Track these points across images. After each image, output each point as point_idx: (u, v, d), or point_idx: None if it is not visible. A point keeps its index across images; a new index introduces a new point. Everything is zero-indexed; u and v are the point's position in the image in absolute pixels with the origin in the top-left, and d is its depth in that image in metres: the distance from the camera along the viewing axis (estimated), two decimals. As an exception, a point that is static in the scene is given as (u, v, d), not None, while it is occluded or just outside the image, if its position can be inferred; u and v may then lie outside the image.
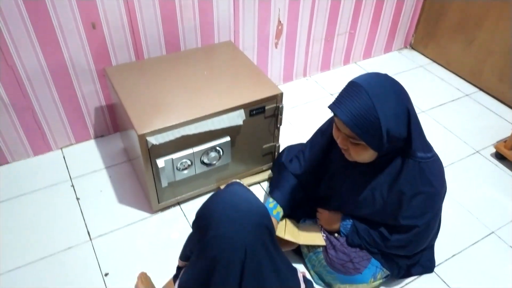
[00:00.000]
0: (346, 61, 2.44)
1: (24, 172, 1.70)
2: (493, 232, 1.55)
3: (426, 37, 2.53)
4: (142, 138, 1.30)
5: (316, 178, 1.37)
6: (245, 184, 1.44)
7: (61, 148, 1.82)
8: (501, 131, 2.00)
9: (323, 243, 1.32)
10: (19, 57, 1.50)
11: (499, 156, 1.84)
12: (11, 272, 1.35)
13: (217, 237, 0.87)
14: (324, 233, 1.34)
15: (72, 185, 1.66)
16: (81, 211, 1.56)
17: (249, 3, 1.84)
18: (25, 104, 1.61)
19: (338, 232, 1.31)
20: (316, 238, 1.34)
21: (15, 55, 1.48)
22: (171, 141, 1.34)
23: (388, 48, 2.57)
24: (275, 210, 1.35)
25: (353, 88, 1.01)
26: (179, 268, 1.20)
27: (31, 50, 1.50)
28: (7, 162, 1.73)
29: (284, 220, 1.41)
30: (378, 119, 0.98)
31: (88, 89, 1.71)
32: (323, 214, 1.36)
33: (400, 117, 1.01)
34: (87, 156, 1.79)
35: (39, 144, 1.75)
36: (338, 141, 1.11)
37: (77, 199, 1.60)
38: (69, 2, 1.47)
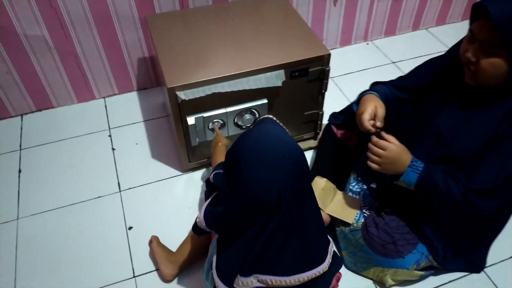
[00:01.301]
0: (416, 26, 2.17)
1: (66, 118, 1.72)
2: None
3: (516, 3, 2.17)
4: (172, 92, 1.22)
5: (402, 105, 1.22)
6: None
7: (104, 98, 1.81)
8: None
9: (350, 220, 1.19)
10: (62, 0, 1.46)
11: None
12: (41, 214, 1.39)
13: (249, 180, 0.79)
14: (366, 211, 1.20)
15: (110, 135, 1.65)
16: (115, 162, 1.55)
17: (308, -48, 1.65)
18: (69, 48, 1.60)
19: (395, 176, 1.06)
20: (346, 213, 1.21)
21: (58, -3, 1.46)
22: (202, 98, 1.25)
23: (466, 15, 2.24)
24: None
25: None
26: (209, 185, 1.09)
27: (74, -7, 1.47)
28: (52, 107, 1.76)
29: (323, 181, 1.28)
30: None
31: (131, 37, 1.66)
32: (392, 145, 1.03)
33: None
34: (128, 108, 1.77)
35: (83, 91, 1.76)
36: (468, 53, 0.95)
37: (113, 149, 1.60)
38: None
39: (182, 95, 1.22)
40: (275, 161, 0.79)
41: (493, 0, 0.88)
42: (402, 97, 1.22)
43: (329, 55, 1.34)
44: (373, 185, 1.23)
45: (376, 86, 1.24)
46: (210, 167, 1.50)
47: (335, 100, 1.78)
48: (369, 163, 1.07)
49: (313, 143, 1.59)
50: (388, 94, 1.21)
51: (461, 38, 1.07)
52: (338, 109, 1.59)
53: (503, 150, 0.97)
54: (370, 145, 1.07)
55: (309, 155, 1.58)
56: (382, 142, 1.05)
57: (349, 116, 1.31)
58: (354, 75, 1.94)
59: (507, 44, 0.88)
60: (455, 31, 2.20)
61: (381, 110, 1.13)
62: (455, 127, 1.04)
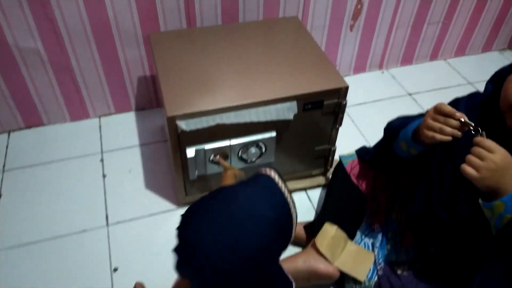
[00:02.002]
0: (434, 56, 2.06)
1: (56, 137, 1.59)
2: None
3: (540, 38, 2.06)
4: (172, 121, 1.09)
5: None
6: (289, 190, 1.03)
7: (99, 117, 1.68)
8: None
9: (362, 277, 1.05)
10: (59, 8, 1.34)
11: None
12: (18, 248, 1.24)
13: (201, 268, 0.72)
14: (381, 269, 1.06)
15: (102, 159, 1.51)
16: (105, 191, 1.41)
17: (326, -26, 1.55)
18: (64, 63, 1.48)
19: (487, 195, 0.81)
20: (358, 268, 1.07)
21: (55, 6, 1.34)
22: (205, 129, 1.12)
23: (487, 47, 2.14)
24: None
25: None
26: None
27: (73, 2, 1.34)
28: (43, 124, 1.63)
29: (334, 229, 1.14)
30: None
31: (132, 54, 1.54)
32: (503, 149, 0.78)
33: None
34: (124, 129, 1.64)
35: (77, 108, 1.63)
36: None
37: (104, 176, 1.46)
38: (117, -47, 1.28)
39: (183, 125, 1.09)
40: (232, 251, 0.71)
41: None
42: None
43: (346, 88, 1.21)
44: (432, 250, 1.02)
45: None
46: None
47: (346, 132, 1.65)
48: (465, 167, 0.80)
49: (322, 180, 1.45)
50: None
51: (497, 75, 0.95)
52: (349, 142, 1.47)
53: None
54: (472, 148, 0.81)
55: (317, 193, 1.44)
56: (489, 142, 0.79)
57: (380, 150, 1.16)
58: (367, 105, 1.81)
59: None
60: (475, 62, 2.09)
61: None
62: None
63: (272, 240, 0.77)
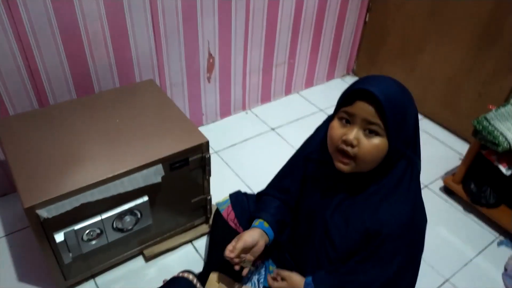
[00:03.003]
0: (288, 91, 2.31)
1: None
2: (447, 280, 1.42)
3: (368, 63, 2.45)
4: (31, 211, 1.05)
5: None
6: (174, 245, 1.45)
7: (-48, 213, 1.52)
8: (449, 162, 1.92)
9: None
10: None
11: (448, 191, 1.74)
12: None
13: None
14: None
15: (-39, 262, 1.36)
16: (-31, 296, 1.27)
17: (173, 35, 1.65)
18: None
19: None
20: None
21: None
22: (70, 211, 1.10)
23: (330, 75, 2.47)
24: (265, 223, 1.13)
25: (375, 76, 0.93)
26: None
27: None
28: None
29: (215, 276, 1.19)
30: (406, 106, 0.90)
31: (-20, 143, 1.43)
32: (289, 280, 1.10)
33: (415, 116, 0.95)
34: (-15, 221, 1.50)
35: None
36: (347, 136, 0.90)
37: (-34, 280, 1.31)
38: None
39: (45, 213, 1.06)
40: None
41: (371, 85, 0.87)
42: (287, 199, 1.18)
43: (207, 143, 1.30)
44: None
45: (261, 212, 1.17)
46: (93, 280, 1.31)
47: (223, 175, 1.75)
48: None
49: (205, 228, 1.51)
50: (277, 214, 1.16)
51: (315, 132, 1.12)
52: (226, 185, 1.56)
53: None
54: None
55: (203, 243, 1.49)
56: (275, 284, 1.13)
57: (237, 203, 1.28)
58: (237, 146, 1.95)
59: (391, 125, 0.87)
60: (323, 90, 2.40)
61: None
62: (340, 225, 1.01)
63: None
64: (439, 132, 2.12)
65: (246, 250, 1.08)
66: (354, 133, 0.90)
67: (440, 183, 1.79)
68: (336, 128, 0.94)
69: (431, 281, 1.41)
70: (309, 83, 2.38)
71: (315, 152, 1.11)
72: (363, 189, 0.99)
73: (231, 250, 1.05)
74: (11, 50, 1.33)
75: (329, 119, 1.01)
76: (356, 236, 0.98)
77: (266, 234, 1.11)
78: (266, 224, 1.13)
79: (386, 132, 0.88)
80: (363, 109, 0.89)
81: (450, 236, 1.57)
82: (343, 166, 0.94)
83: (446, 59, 2.01)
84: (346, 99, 0.92)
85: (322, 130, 1.11)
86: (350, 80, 2.51)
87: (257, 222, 1.14)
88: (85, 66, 1.50)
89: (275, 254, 1.24)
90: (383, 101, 0.85)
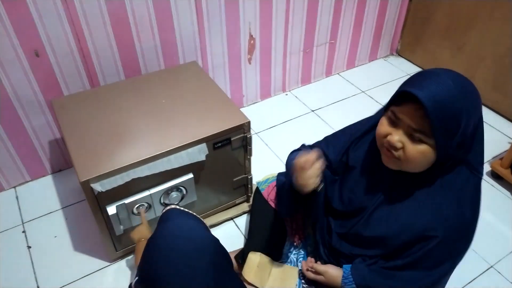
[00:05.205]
0: (328, 72, 2.28)
1: (-30, 218, 1.53)
2: (492, 267, 1.39)
3: (413, 43, 2.37)
4: (86, 184, 1.13)
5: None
6: (217, 221, 1.51)
7: (15, 187, 1.65)
8: (498, 146, 1.84)
9: None
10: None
11: (495, 176, 1.68)
12: None
13: None
14: (305, 283, 1.17)
15: (24, 231, 1.48)
16: (32, 263, 1.38)
17: (215, 18, 1.68)
18: (-34, 143, 1.44)
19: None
20: (285, 285, 1.17)
21: None
22: (121, 185, 1.17)
23: (373, 56, 2.42)
24: None
25: (432, 75, 0.84)
26: None
27: (-34, 85, 1.34)
28: (-48, 207, 1.56)
29: (258, 256, 1.23)
30: (461, 112, 0.81)
31: (38, 121, 1.54)
32: (325, 275, 1.09)
33: (474, 121, 0.85)
34: (43, 195, 1.61)
35: (-12, 184, 1.58)
36: (392, 138, 0.87)
37: (28, 247, 1.43)
38: (5, 29, 1.30)
39: (98, 187, 1.13)
40: (192, 270, 0.81)
41: (421, 86, 0.81)
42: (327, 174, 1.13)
43: (249, 123, 1.33)
44: None
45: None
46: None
47: (263, 156, 1.78)
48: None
49: (246, 206, 1.56)
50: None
51: (376, 113, 1.04)
52: (266, 166, 1.58)
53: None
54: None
55: (243, 220, 1.54)
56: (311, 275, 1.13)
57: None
58: (277, 128, 1.96)
59: (439, 133, 0.81)
60: (365, 71, 2.35)
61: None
62: (384, 222, 0.99)
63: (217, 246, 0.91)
64: (488, 114, 2.04)
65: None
66: (397, 137, 0.87)
67: (487, 167, 1.73)
68: (384, 125, 0.91)
69: (475, 267, 1.39)
70: (351, 64, 2.34)
71: (365, 141, 1.06)
72: (413, 189, 0.95)
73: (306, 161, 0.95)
74: (65, 34, 1.40)
75: (382, 110, 0.97)
76: (404, 237, 0.95)
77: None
78: None
79: (434, 139, 0.83)
80: (409, 114, 0.84)
81: (496, 222, 1.53)
82: (387, 162, 0.92)
83: (497, 37, 1.91)
84: (396, 97, 0.87)
85: (373, 120, 1.05)
86: (394, 60, 2.44)
87: None
88: (132, 49, 1.56)
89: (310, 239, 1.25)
90: (430, 107, 0.79)
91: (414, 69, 2.36)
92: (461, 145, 0.86)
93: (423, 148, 0.85)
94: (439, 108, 0.79)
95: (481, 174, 0.95)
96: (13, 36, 1.32)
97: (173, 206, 1.02)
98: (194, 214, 1.04)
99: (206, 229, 0.97)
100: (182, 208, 1.03)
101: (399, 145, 0.87)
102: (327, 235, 1.13)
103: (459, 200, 0.92)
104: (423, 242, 0.93)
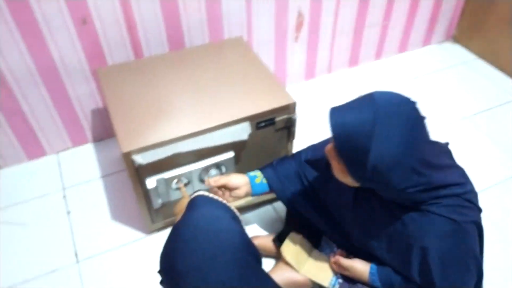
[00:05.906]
0: (378, 55, 2.17)
1: (14, 180, 1.57)
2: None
3: (471, 29, 2.20)
4: (127, 156, 1.12)
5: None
6: (253, 203, 1.44)
7: (58, 153, 1.68)
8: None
9: (325, 283, 1.11)
10: (2, 55, 1.34)
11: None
12: (-11, 298, 1.23)
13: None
14: (338, 277, 1.12)
15: (64, 196, 1.51)
16: (71, 228, 1.41)
17: (265, -8, 1.61)
18: (14, 107, 1.47)
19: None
20: (321, 275, 1.13)
21: (-3, 55, 1.33)
22: (162, 159, 1.15)
23: (427, 41, 2.27)
24: (258, 179, 1.16)
25: (364, 100, 0.82)
26: None
27: (15, 49, 1.34)
28: (-1, 168, 1.61)
29: (298, 237, 1.20)
30: (368, 151, 0.78)
31: (83, 90, 1.54)
32: (351, 270, 1.07)
33: (403, 166, 0.80)
34: (84, 162, 1.64)
35: (33, 147, 1.61)
36: (326, 148, 0.91)
37: (68, 213, 1.46)
38: (54, -6, 1.29)
39: (140, 159, 1.12)
40: (211, 266, 0.78)
41: (341, 108, 0.83)
42: (313, 177, 1.14)
43: (294, 104, 1.27)
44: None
45: (267, 168, 1.18)
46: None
47: (305, 138, 1.72)
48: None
49: (284, 189, 1.51)
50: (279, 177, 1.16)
51: None
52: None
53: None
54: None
55: (281, 204, 1.50)
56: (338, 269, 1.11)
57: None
58: (321, 109, 1.89)
59: (346, 159, 0.83)
60: (417, 57, 2.21)
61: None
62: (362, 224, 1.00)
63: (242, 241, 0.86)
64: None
65: (227, 188, 1.12)
66: (329, 149, 0.90)
67: None
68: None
69: None
70: (403, 48, 2.21)
71: None
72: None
73: (215, 181, 1.11)
74: (112, 2, 1.38)
75: None
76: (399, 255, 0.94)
77: (251, 186, 1.14)
78: (258, 180, 1.15)
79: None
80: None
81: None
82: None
83: None
84: None
85: None
86: (449, 46, 2.29)
87: (254, 173, 1.17)
88: (178, 21, 1.52)
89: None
90: (336, 135, 0.81)
91: (470, 57, 2.20)
92: (383, 183, 0.82)
93: (341, 167, 0.87)
94: (343, 136, 0.80)
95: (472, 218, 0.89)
96: (61, 2, 1.31)
97: (201, 192, 0.97)
98: (224, 202, 0.96)
99: (235, 221, 0.92)
100: (211, 196, 0.97)
101: (328, 154, 0.91)
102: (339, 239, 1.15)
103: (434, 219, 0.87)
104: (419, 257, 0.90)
